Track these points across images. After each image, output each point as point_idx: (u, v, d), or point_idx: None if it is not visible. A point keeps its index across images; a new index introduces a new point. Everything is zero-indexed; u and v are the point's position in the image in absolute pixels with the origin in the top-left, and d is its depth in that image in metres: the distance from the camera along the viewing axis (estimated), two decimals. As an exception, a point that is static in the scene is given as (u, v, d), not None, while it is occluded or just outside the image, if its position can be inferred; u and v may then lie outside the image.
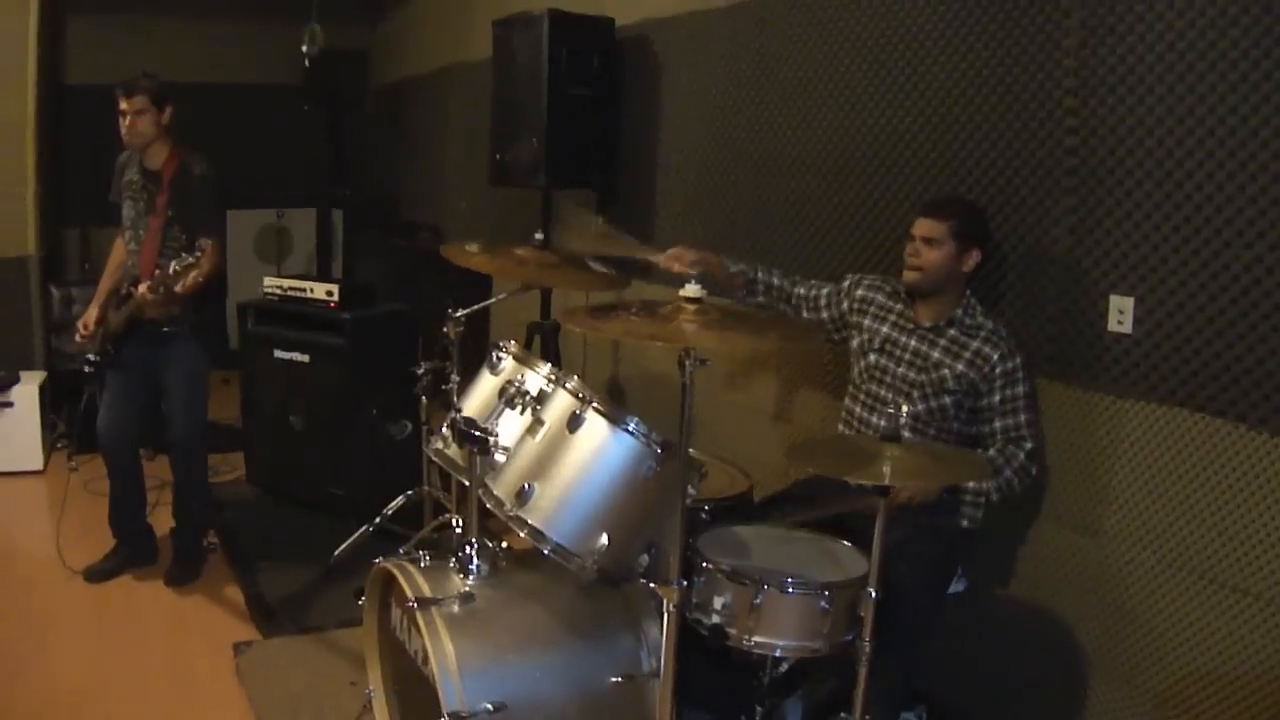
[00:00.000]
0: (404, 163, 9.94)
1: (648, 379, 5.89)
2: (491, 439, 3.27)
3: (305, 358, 6.20)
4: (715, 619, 3.16)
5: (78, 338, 5.43)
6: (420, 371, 4.99)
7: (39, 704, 4.41)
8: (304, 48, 8.96)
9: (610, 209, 6.15)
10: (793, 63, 4.87)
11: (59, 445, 7.76)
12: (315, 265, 10.34)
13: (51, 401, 7.70)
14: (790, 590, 3.09)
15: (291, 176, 10.22)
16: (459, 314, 4.71)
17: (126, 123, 5.14)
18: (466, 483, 3.46)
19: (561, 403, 3.17)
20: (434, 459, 3.83)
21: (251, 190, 9.39)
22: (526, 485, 3.08)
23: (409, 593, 3.26)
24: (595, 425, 3.07)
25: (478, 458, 3.30)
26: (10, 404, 7.25)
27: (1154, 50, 3.33)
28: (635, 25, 5.96)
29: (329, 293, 6.17)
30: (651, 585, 3.09)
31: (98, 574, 5.56)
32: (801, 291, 4.30)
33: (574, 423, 3.09)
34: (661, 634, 3.08)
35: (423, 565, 3.43)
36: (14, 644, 4.92)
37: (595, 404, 3.07)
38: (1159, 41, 3.32)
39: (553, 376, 3.31)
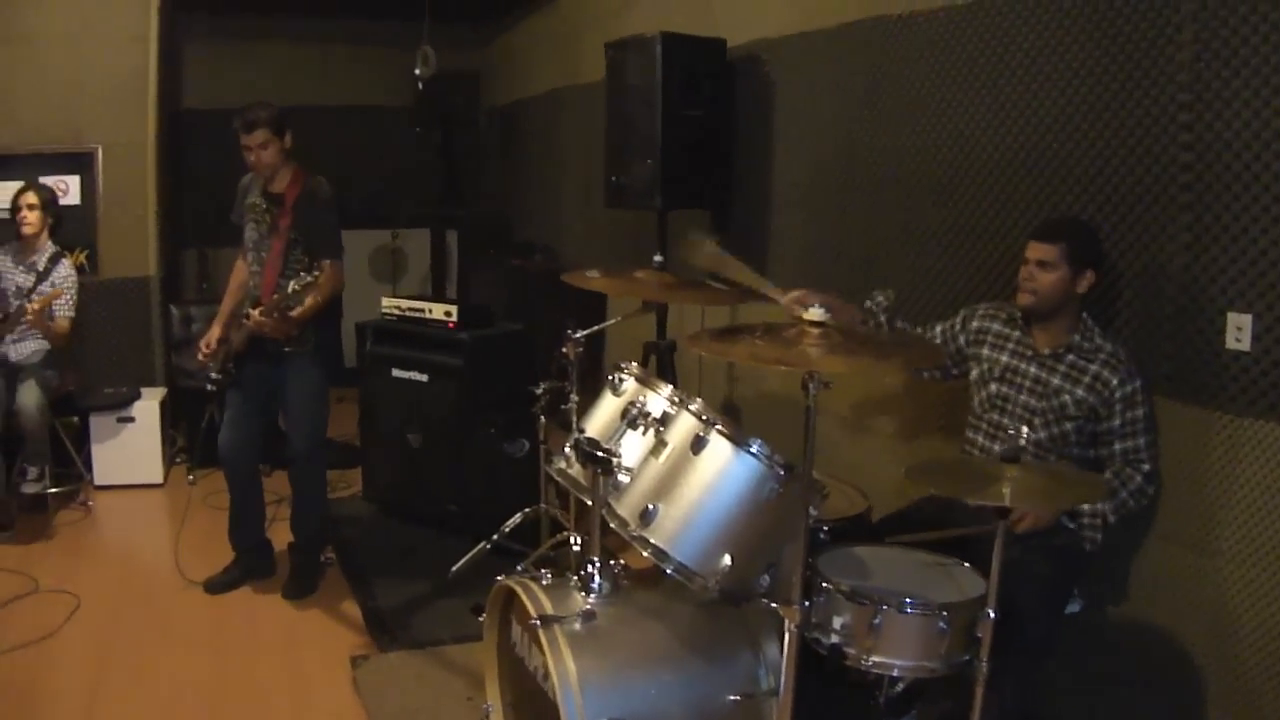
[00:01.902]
0: (517, 183, 10.04)
1: (764, 399, 5.90)
2: (615, 460, 3.31)
3: (424, 377, 6.28)
4: (834, 638, 3.18)
5: (200, 356, 5.54)
6: (539, 391, 5.05)
7: (162, 709, 4.53)
8: (417, 70, 9.08)
9: (724, 229, 6.16)
10: (903, 82, 4.85)
11: (178, 460, 7.97)
12: (429, 285, 10.45)
13: (171, 417, 7.90)
14: (909, 610, 3.10)
15: (406, 197, 10.38)
16: (578, 334, 4.75)
17: (252, 158, 5.26)
18: (589, 502, 3.51)
19: (685, 424, 3.21)
20: (556, 478, 3.87)
21: (366, 211, 9.56)
22: (650, 506, 3.12)
23: (532, 610, 3.30)
24: (719, 447, 3.11)
25: (601, 478, 3.35)
26: (132, 419, 7.44)
27: (1269, 62, 3.29)
28: (746, 46, 5.98)
29: (447, 313, 6.27)
30: (773, 605, 3.12)
31: (217, 586, 5.70)
32: (919, 332, 4.30)
33: (698, 444, 3.12)
34: (780, 653, 3.11)
35: (544, 583, 3.48)
36: (136, 653, 5.05)
37: (719, 426, 3.11)
38: (1275, 53, 3.28)
39: (676, 398, 3.33)
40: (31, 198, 6.67)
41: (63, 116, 7.94)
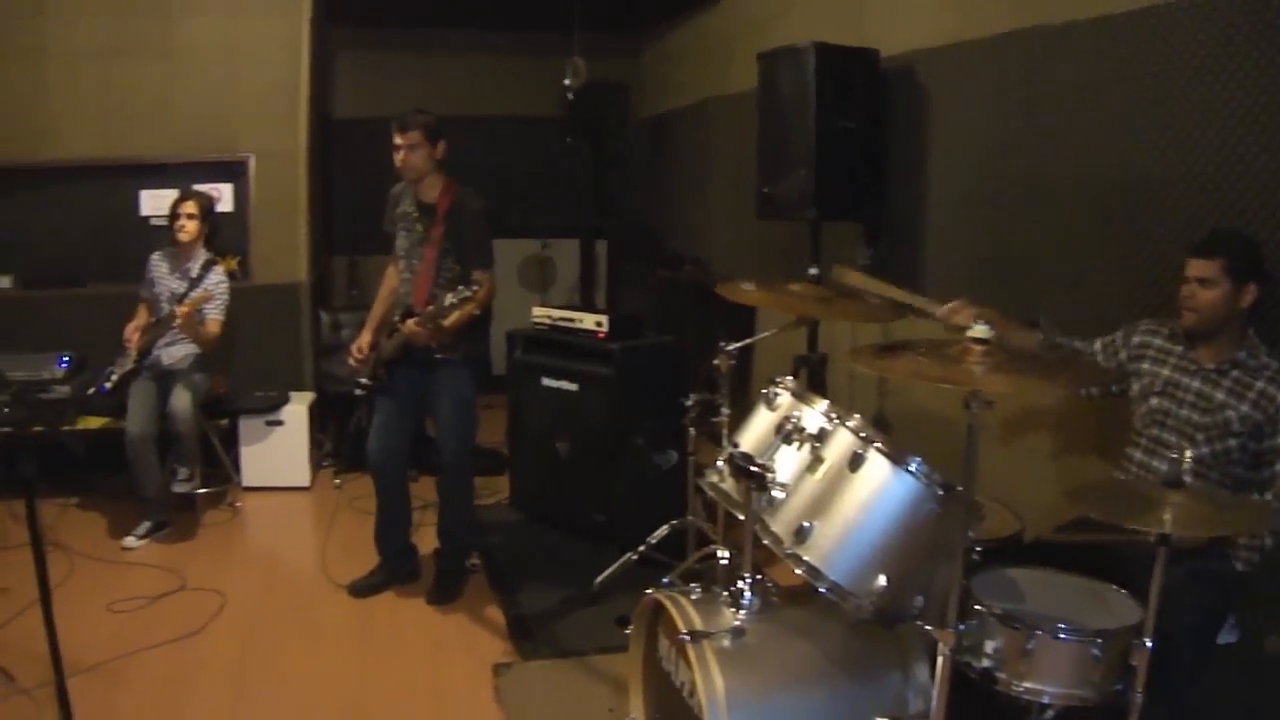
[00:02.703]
0: (666, 194, 10.03)
1: (914, 415, 5.81)
2: (769, 475, 3.28)
3: (574, 386, 6.31)
4: (985, 663, 3.12)
5: (351, 362, 5.63)
6: (689, 403, 5.02)
7: (305, 712, 4.60)
8: (567, 81, 9.12)
9: (878, 242, 6.09)
10: (1062, 92, 4.73)
11: (325, 463, 8.12)
12: (578, 295, 10.50)
13: (319, 421, 8.06)
14: (1062, 636, 3.02)
15: (556, 207, 10.49)
16: (731, 347, 4.72)
17: (400, 157, 5.32)
18: (740, 517, 3.47)
19: (843, 441, 3.17)
20: (708, 492, 3.84)
21: (517, 220, 9.63)
22: (805, 523, 3.09)
23: (681, 625, 3.29)
24: (877, 465, 3.07)
25: (755, 493, 3.31)
26: (280, 423, 7.61)
27: None
28: (900, 56, 5.90)
29: (598, 323, 6.28)
30: (927, 628, 3.06)
31: (362, 589, 5.77)
32: (1079, 345, 4.20)
33: (855, 462, 3.09)
34: (930, 676, 3.06)
35: (694, 597, 3.46)
36: (279, 653, 5.15)
37: (878, 444, 3.07)
38: None
39: (833, 414, 3.29)
40: (191, 207, 6.81)
41: (217, 126, 8.16)
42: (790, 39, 6.01)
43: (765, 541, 3.24)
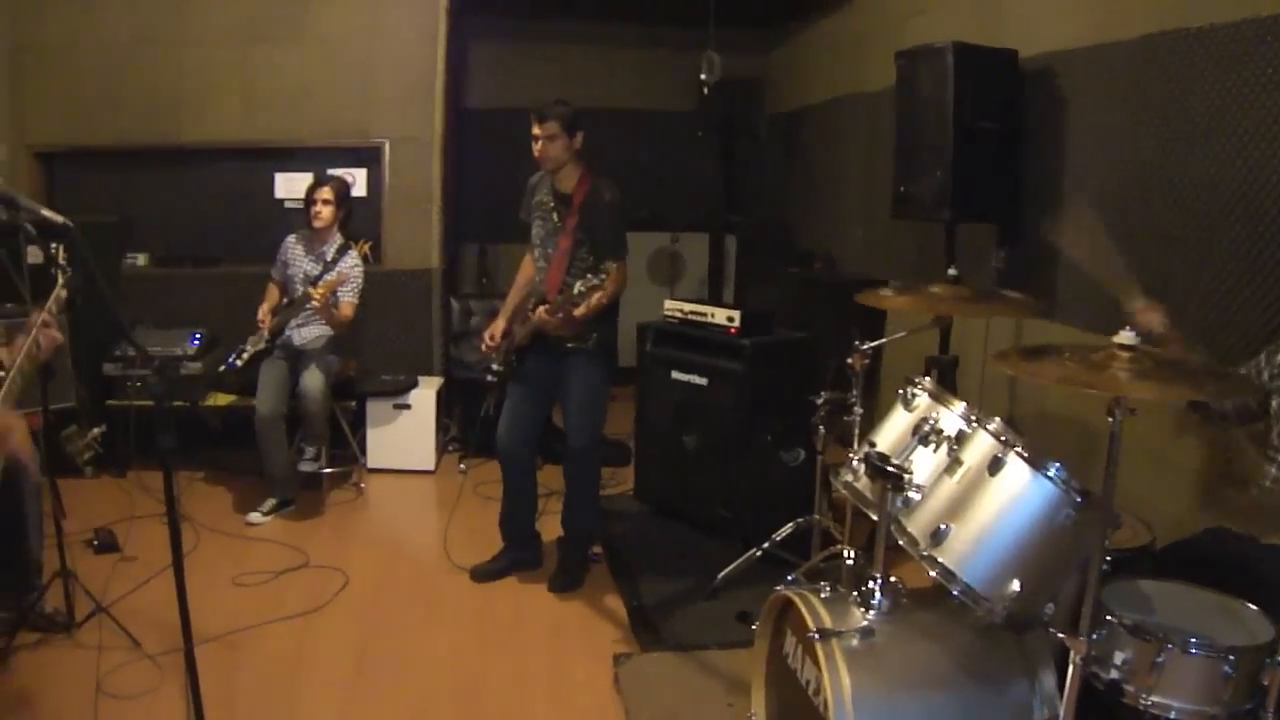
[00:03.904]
0: (797, 191, 9.99)
1: (1044, 418, 5.74)
2: (906, 476, 3.27)
3: (703, 380, 6.30)
4: (1113, 674, 3.08)
5: (483, 347, 5.70)
6: (820, 401, 5.01)
7: (424, 693, 4.66)
8: (702, 75, 9.11)
9: (1011, 244, 6.02)
10: (1205, 96, 4.60)
11: (450, 448, 8.21)
12: (707, 289, 10.52)
13: (445, 406, 8.18)
14: (1194, 651, 2.97)
15: (686, 201, 10.48)
16: (866, 346, 4.70)
17: (539, 147, 5.35)
18: (874, 517, 3.47)
19: (982, 444, 3.16)
20: (842, 491, 3.84)
21: (647, 214, 9.66)
22: (942, 525, 3.08)
23: (810, 623, 3.29)
24: (1017, 469, 3.05)
25: (891, 494, 3.31)
26: (408, 406, 7.73)
27: None
28: (1039, 57, 5.82)
29: (730, 318, 6.27)
30: (1060, 636, 3.03)
31: (484, 574, 5.84)
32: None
33: (994, 465, 3.07)
34: (1058, 684, 3.04)
35: (824, 596, 3.45)
36: (403, 635, 5.23)
37: (1018, 448, 3.05)
38: None
39: (973, 417, 3.28)
40: (327, 193, 6.93)
41: (352, 112, 8.32)
42: (927, 38, 5.98)
43: (900, 542, 3.24)
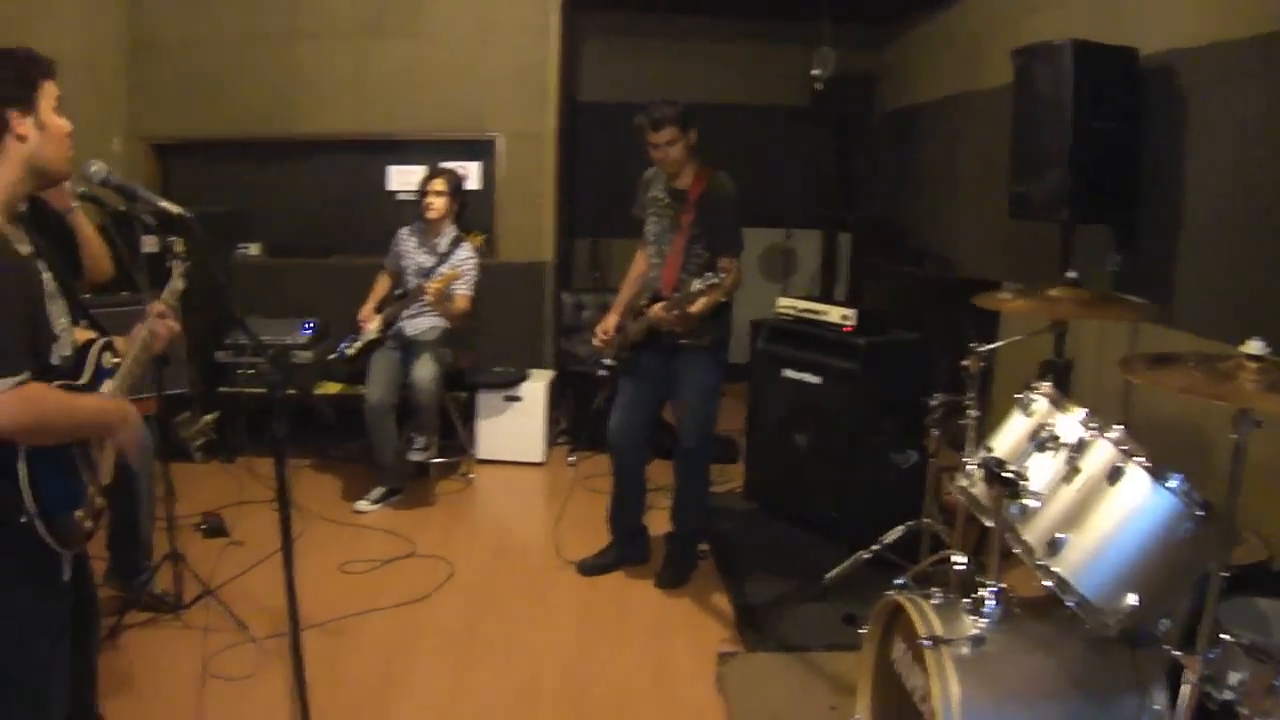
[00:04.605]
0: (911, 189, 9.88)
1: (1158, 426, 5.61)
2: (1023, 483, 3.23)
3: (816, 379, 6.26)
4: (1227, 695, 2.99)
5: (596, 342, 5.73)
6: (934, 403, 4.96)
7: (526, 686, 4.71)
8: (814, 70, 9.06)
9: (1128, 246, 5.92)
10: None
11: (559, 441, 8.25)
12: (818, 286, 10.47)
13: (556, 400, 8.20)
14: (1313, 676, 2.89)
15: (799, 197, 10.41)
16: (982, 348, 4.64)
17: (659, 155, 5.36)
18: (988, 523, 3.43)
19: (1102, 453, 3.11)
20: (957, 495, 3.79)
21: (760, 209, 9.63)
22: (1058, 535, 3.05)
23: (921, 629, 3.27)
24: (1137, 479, 3.00)
25: (1007, 501, 3.26)
26: (519, 398, 7.79)
27: None
28: (1159, 55, 5.69)
29: (844, 317, 6.20)
30: (1176, 653, 2.98)
31: (591, 568, 5.88)
32: None
33: (1114, 475, 3.03)
34: (1167, 702, 2.99)
35: (935, 602, 3.43)
36: (504, 624, 5.30)
37: (1140, 457, 3.00)
38: None
39: (1093, 424, 3.23)
40: (440, 184, 7.00)
41: (466, 105, 8.41)
42: (1044, 35, 5.88)
43: (1015, 551, 3.20)
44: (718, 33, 10.48)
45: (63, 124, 3.02)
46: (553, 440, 8.18)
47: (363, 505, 6.77)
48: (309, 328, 7.81)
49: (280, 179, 8.71)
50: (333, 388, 7.60)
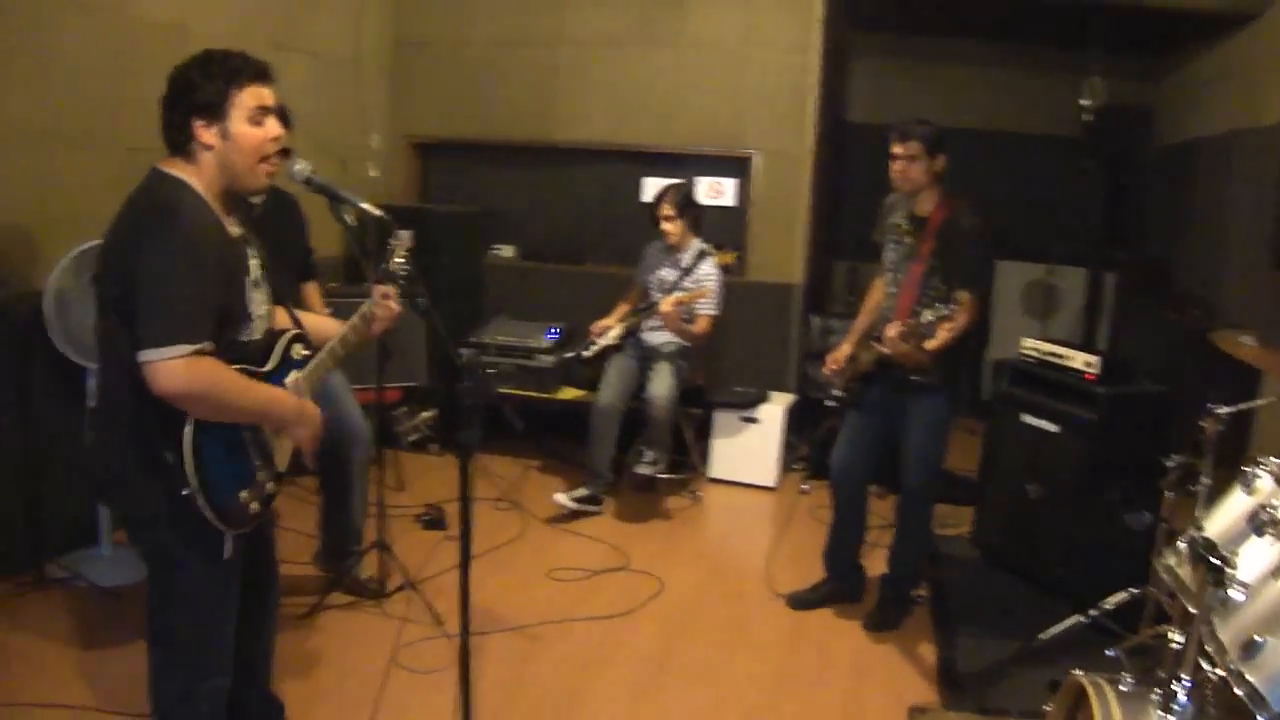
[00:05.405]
0: (1182, 230, 9.34)
1: None
2: (1229, 570, 2.91)
3: (1054, 427, 5.92)
4: None
5: (825, 370, 5.60)
6: (1169, 464, 4.62)
7: (709, 712, 4.64)
8: (1083, 101, 8.73)
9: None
10: None
11: (795, 466, 8.09)
12: (1081, 327, 10.00)
13: (795, 424, 8.05)
14: None
15: (1064, 232, 10.03)
16: (1221, 410, 4.28)
17: (897, 167, 5.17)
18: (1191, 609, 3.13)
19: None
20: (1161, 573, 3.50)
21: (1023, 242, 9.32)
22: (1258, 638, 2.73)
23: (1099, 718, 3.01)
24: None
25: (1210, 588, 2.97)
26: (755, 420, 7.70)
27: None
28: None
29: (1088, 364, 5.84)
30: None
31: (800, 602, 5.75)
32: None
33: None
34: None
35: (1123, 688, 3.14)
36: (702, 648, 5.23)
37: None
38: None
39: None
40: (667, 208, 7.00)
41: (723, 120, 8.37)
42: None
43: (1207, 646, 2.90)
44: (988, 57, 10.18)
45: (254, 133, 3.05)
46: (787, 465, 8.05)
47: (561, 498, 6.81)
48: (554, 333, 7.90)
49: (536, 183, 8.88)
50: (572, 393, 7.66)
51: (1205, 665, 2.96)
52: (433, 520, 6.42)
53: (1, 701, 4.29)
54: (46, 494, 5.55)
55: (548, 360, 7.76)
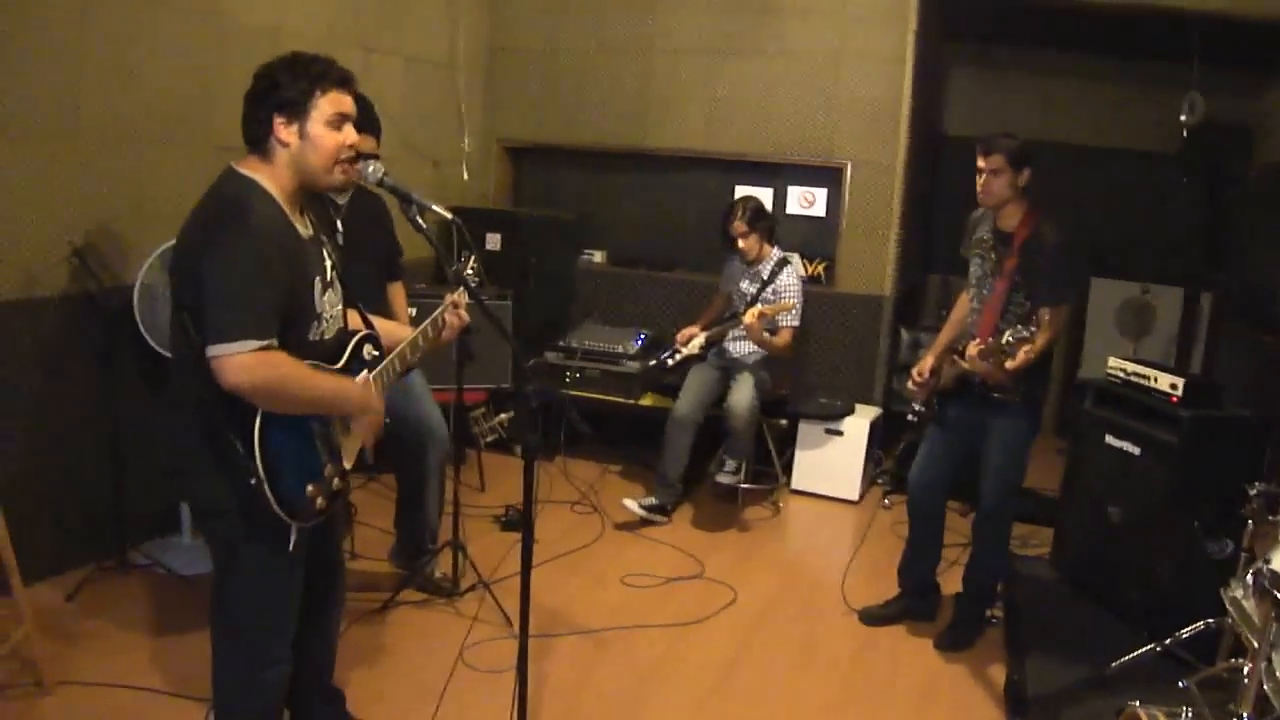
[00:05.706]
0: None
1: None
2: (1291, 607, 2.86)
3: (1136, 450, 5.82)
4: None
5: (909, 384, 5.58)
6: (1252, 492, 4.53)
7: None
8: (1182, 117, 8.56)
9: None
10: None
11: (878, 480, 8.09)
12: (1175, 350, 9.79)
13: (880, 438, 8.04)
14: None
15: (1161, 251, 9.84)
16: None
17: (981, 181, 5.15)
18: (1254, 643, 3.07)
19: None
20: (1226, 604, 3.43)
21: (1118, 260, 9.18)
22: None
23: (1144, 755, 2.95)
24: None
25: (1273, 624, 2.90)
26: (840, 433, 7.71)
27: None
28: None
29: (1173, 385, 5.72)
30: None
31: (873, 618, 5.77)
32: None
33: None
34: None
35: (1173, 725, 3.08)
36: (769, 662, 5.25)
37: None
38: None
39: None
40: (739, 225, 7.02)
41: (815, 130, 8.40)
42: None
43: (1265, 684, 2.84)
44: (1084, 70, 10.02)
45: (331, 136, 3.14)
46: (871, 479, 8.02)
47: (630, 504, 6.88)
48: (642, 338, 7.92)
49: (627, 190, 8.95)
50: (650, 400, 7.69)
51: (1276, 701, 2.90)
52: (511, 521, 6.48)
53: (77, 681, 4.43)
54: (132, 483, 5.68)
55: (632, 366, 7.79)
